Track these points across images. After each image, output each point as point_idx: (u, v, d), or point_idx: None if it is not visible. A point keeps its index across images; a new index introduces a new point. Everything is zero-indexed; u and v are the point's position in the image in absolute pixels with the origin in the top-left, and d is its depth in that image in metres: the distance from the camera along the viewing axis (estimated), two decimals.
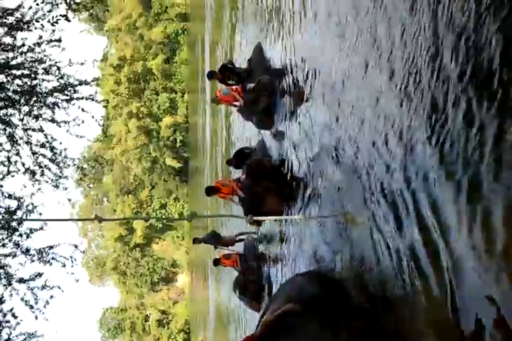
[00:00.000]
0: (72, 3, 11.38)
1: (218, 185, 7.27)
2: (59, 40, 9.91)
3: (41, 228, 10.07)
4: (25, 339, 9.57)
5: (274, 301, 3.23)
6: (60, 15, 10.28)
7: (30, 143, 10.14)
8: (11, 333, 9.43)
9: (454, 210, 2.31)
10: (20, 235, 9.80)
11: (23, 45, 9.59)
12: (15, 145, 10.01)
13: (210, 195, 7.35)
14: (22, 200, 10.10)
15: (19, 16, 9.37)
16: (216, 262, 9.37)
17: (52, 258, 9.95)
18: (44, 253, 9.86)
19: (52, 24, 10.02)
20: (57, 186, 10.75)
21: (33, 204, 10.21)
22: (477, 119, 2.18)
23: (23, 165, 10.20)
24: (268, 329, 2.56)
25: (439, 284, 2.40)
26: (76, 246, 10.48)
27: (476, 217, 2.14)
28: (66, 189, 11.25)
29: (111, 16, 46.02)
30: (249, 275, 7.85)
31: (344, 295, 3.32)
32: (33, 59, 9.80)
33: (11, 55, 9.55)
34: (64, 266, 10.06)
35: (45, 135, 10.20)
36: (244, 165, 7.70)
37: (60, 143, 10.52)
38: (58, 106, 10.29)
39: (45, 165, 10.38)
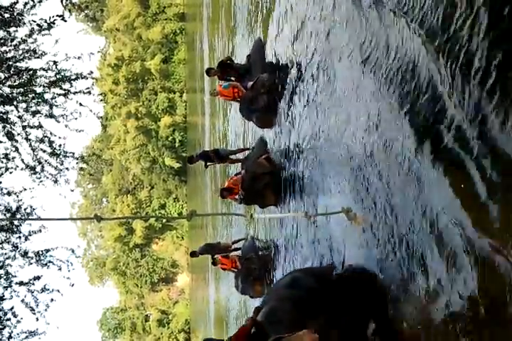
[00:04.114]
0: (67, 2, 11.37)
1: (231, 185, 7.01)
2: (49, 28, 9.82)
3: (40, 230, 10.04)
4: (26, 337, 9.60)
5: (269, 297, 3.29)
6: (57, 15, 10.25)
7: (29, 140, 10.12)
8: (12, 331, 9.46)
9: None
10: (19, 237, 9.79)
11: (15, 37, 9.57)
12: (13, 142, 10.00)
13: (224, 196, 7.10)
14: (21, 202, 10.09)
15: (12, 12, 9.35)
16: (214, 262, 9.44)
17: (49, 261, 9.94)
18: (42, 256, 9.85)
19: (49, 24, 9.99)
20: (56, 181, 10.72)
21: (31, 206, 10.20)
22: None
23: (23, 161, 10.19)
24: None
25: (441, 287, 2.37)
26: (73, 251, 10.45)
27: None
28: (67, 181, 11.18)
29: (109, 16, 45.91)
30: (251, 265, 7.86)
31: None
32: (26, 49, 9.76)
33: (4, 48, 9.54)
34: (60, 269, 10.05)
35: (43, 130, 10.20)
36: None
37: (59, 138, 10.50)
38: (56, 101, 10.29)
39: (46, 160, 10.36)
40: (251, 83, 6.71)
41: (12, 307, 9.54)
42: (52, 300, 9.92)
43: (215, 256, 9.86)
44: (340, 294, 3.10)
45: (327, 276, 3.64)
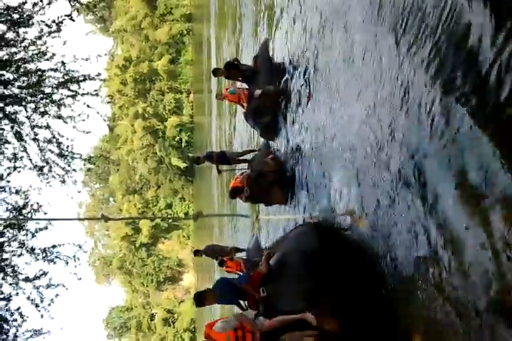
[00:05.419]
0: (75, 2, 11.47)
1: (238, 184, 6.52)
2: (58, 30, 9.92)
3: (46, 227, 10.10)
4: (31, 336, 9.65)
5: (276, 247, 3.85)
6: (65, 15, 10.34)
7: (37, 140, 10.21)
8: (17, 330, 9.52)
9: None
10: (26, 234, 9.86)
11: (25, 39, 9.66)
12: (22, 141, 10.09)
13: (234, 197, 6.60)
14: (28, 199, 10.16)
15: (21, 13, 9.44)
16: (221, 263, 9.40)
17: (56, 257, 9.98)
18: (48, 252, 9.90)
19: (57, 24, 10.08)
20: (64, 182, 10.80)
21: (38, 203, 10.26)
22: None
23: (31, 161, 10.27)
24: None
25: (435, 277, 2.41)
26: (80, 246, 10.48)
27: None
28: (74, 182, 11.25)
29: (116, 17, 46.20)
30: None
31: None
32: (36, 52, 9.86)
33: (13, 50, 9.64)
34: (67, 263, 10.09)
35: (51, 131, 10.28)
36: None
37: (67, 139, 10.58)
38: (64, 103, 10.37)
39: (53, 161, 10.45)
40: (258, 91, 6.73)
41: (19, 308, 9.59)
42: (57, 295, 9.98)
43: (222, 257, 9.85)
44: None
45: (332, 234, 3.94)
